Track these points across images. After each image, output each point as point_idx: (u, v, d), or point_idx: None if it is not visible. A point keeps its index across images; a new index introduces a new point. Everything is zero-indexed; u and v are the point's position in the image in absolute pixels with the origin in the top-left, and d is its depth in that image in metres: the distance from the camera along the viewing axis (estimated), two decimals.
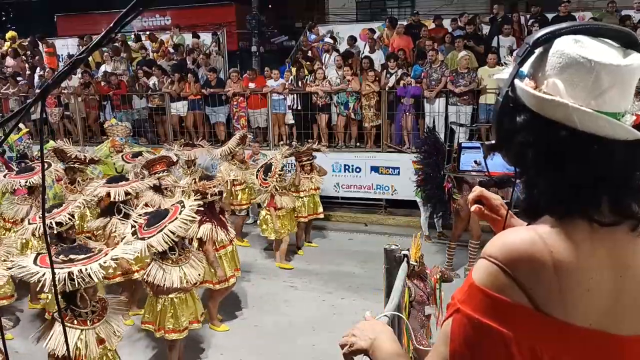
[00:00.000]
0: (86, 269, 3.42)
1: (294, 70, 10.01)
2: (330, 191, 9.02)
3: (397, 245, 2.78)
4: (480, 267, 0.96)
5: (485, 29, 10.42)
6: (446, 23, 10.68)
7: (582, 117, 0.91)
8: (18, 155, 9.15)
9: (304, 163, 7.63)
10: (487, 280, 0.94)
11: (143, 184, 5.98)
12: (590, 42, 0.95)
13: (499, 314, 0.92)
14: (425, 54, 9.02)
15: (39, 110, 5.96)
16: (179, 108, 10.36)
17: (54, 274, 3.42)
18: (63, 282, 3.37)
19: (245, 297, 6.28)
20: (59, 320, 3.45)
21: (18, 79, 11.69)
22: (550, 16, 9.55)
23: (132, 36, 13.31)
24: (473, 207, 1.37)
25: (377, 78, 8.96)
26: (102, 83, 11.08)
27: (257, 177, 7.18)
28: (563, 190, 0.95)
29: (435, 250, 7.36)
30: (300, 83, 9.68)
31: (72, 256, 3.58)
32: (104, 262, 3.53)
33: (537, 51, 0.99)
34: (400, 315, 2.28)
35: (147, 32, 13.74)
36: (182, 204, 4.64)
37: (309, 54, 11.25)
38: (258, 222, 7.49)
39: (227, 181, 7.38)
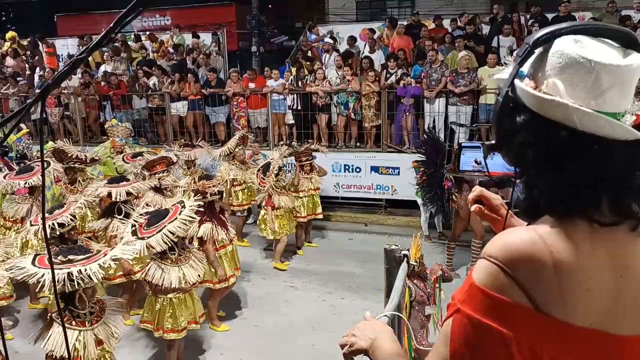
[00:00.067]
0: (85, 270, 3.42)
1: (294, 70, 10.01)
2: (330, 191, 9.02)
3: (397, 245, 2.78)
4: (480, 267, 0.96)
5: (485, 29, 10.42)
6: (446, 23, 10.68)
7: (582, 117, 0.91)
8: (18, 155, 9.15)
9: (303, 163, 7.64)
10: (487, 280, 0.94)
11: (144, 184, 5.99)
12: (590, 42, 0.95)
13: (499, 314, 0.92)
14: (425, 54, 9.02)
15: (39, 110, 5.96)
16: (179, 108, 10.36)
17: (54, 274, 3.42)
18: (62, 282, 3.37)
19: (245, 297, 6.28)
20: (58, 321, 3.44)
21: (18, 79, 11.70)
22: (550, 16, 9.55)
23: (132, 36, 13.31)
24: (473, 207, 1.37)
25: (377, 78, 8.96)
26: (102, 83, 11.08)
27: (257, 177, 7.21)
28: (563, 190, 0.95)
29: (435, 250, 7.36)
30: (300, 83, 9.68)
31: (70, 257, 3.57)
32: (104, 263, 3.53)
33: (537, 51, 0.99)
34: (400, 315, 2.28)
35: (147, 32, 13.74)
36: (182, 204, 4.65)
37: (309, 54, 11.26)
38: (257, 221, 7.49)
39: (226, 181, 7.38)
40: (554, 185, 0.96)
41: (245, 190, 7.95)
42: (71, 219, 4.91)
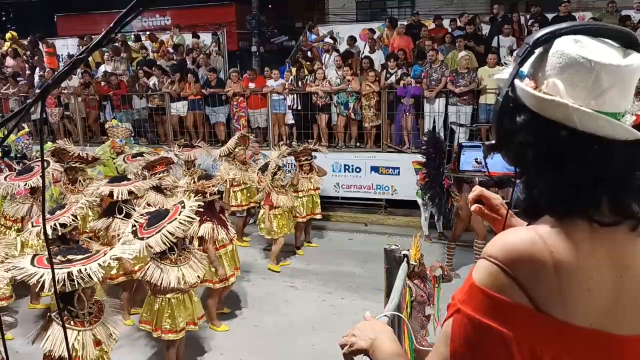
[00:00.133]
0: (85, 269, 3.42)
1: (294, 70, 10.01)
2: (330, 191, 9.02)
3: (397, 245, 2.78)
4: (480, 267, 0.96)
5: (485, 29, 10.42)
6: (446, 23, 10.68)
7: (582, 117, 0.91)
8: (17, 155, 9.15)
9: (302, 163, 7.63)
10: (487, 280, 0.94)
11: (146, 184, 5.99)
12: (590, 42, 0.95)
13: (499, 314, 0.92)
14: (425, 54, 9.02)
15: (39, 110, 5.96)
16: (179, 108, 10.36)
17: (54, 274, 3.42)
18: (62, 282, 3.37)
19: (245, 297, 6.28)
20: (57, 321, 3.44)
21: (18, 79, 11.70)
22: (550, 16, 9.55)
23: (132, 36, 13.31)
24: (473, 207, 1.37)
25: (377, 78, 8.96)
26: (102, 83, 11.08)
27: (257, 176, 7.24)
28: (563, 190, 0.95)
29: (436, 250, 7.36)
30: (300, 83, 9.68)
31: (70, 256, 3.57)
32: (103, 262, 3.53)
33: (537, 51, 0.99)
34: (400, 315, 2.28)
35: (147, 32, 13.74)
36: (182, 205, 4.65)
37: (309, 54, 11.26)
38: (257, 221, 7.49)
39: (226, 180, 7.38)
40: (554, 185, 0.96)
41: (245, 191, 7.93)
42: (73, 219, 4.91)
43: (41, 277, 3.36)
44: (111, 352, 3.88)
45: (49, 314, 3.70)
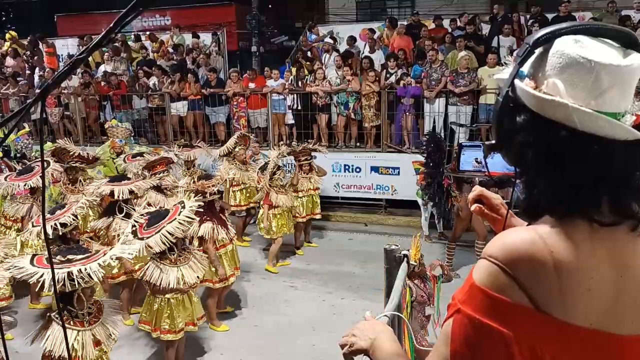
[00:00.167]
0: (85, 269, 3.42)
1: (294, 70, 10.01)
2: (330, 191, 9.02)
3: (397, 245, 2.78)
4: (480, 267, 0.96)
5: (485, 29, 10.42)
6: (446, 23, 10.69)
7: (582, 117, 0.91)
8: (17, 155, 9.16)
9: (302, 163, 7.63)
10: (487, 281, 0.94)
11: (146, 183, 6.00)
12: (591, 42, 0.95)
13: (499, 314, 0.92)
14: (425, 54, 9.02)
15: (39, 110, 5.97)
16: (179, 108, 10.36)
17: (54, 274, 3.42)
18: (62, 282, 3.37)
19: (245, 297, 6.28)
20: (57, 321, 3.44)
21: (18, 79, 11.69)
22: (550, 16, 9.55)
23: (132, 36, 13.31)
24: (473, 207, 1.37)
25: (377, 78, 8.96)
26: (102, 83, 11.08)
27: (257, 176, 7.24)
28: (563, 190, 0.95)
29: (436, 250, 7.36)
30: (300, 83, 9.69)
31: (70, 256, 3.57)
32: (103, 262, 3.53)
33: (537, 51, 0.99)
34: (400, 315, 2.28)
35: (147, 32, 13.74)
36: (182, 205, 4.65)
37: (309, 54, 11.26)
38: (257, 221, 7.48)
39: (225, 180, 7.37)
40: (554, 185, 0.96)
41: (244, 191, 7.92)
42: (73, 219, 4.91)
43: (41, 276, 3.36)
44: (110, 352, 3.88)
45: (48, 314, 3.70)
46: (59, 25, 16.71)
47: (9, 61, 12.84)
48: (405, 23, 11.03)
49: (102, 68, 11.82)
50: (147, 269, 4.47)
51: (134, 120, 10.51)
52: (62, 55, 13.43)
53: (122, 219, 5.40)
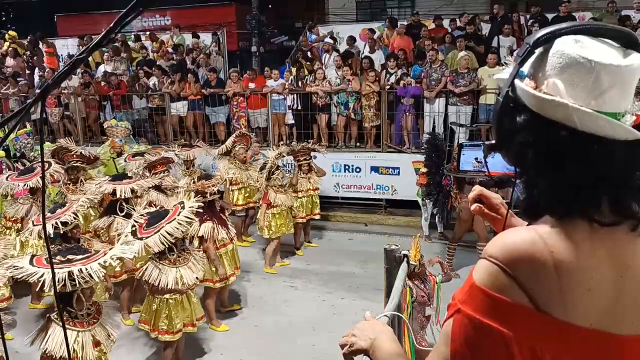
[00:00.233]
0: (86, 269, 3.42)
1: (294, 70, 10.01)
2: (330, 191, 9.02)
3: (397, 245, 2.78)
4: (480, 267, 0.96)
5: (485, 29, 10.42)
6: (446, 23, 10.69)
7: (582, 117, 0.91)
8: (17, 154, 9.16)
9: (301, 163, 7.62)
10: (487, 281, 0.94)
11: (148, 182, 6.00)
12: (591, 42, 0.95)
13: (499, 314, 0.92)
14: (425, 54, 9.02)
15: (39, 110, 5.97)
16: (179, 108, 10.36)
17: (54, 274, 3.42)
18: (63, 282, 3.37)
19: (245, 297, 6.28)
20: (57, 321, 3.43)
21: (18, 79, 11.69)
22: (550, 16, 9.55)
23: (132, 36, 13.31)
24: (473, 206, 1.37)
25: (377, 78, 8.96)
26: (102, 83, 11.08)
27: (258, 175, 7.26)
28: (563, 190, 0.95)
29: (436, 250, 7.35)
30: (300, 83, 9.69)
31: (70, 257, 3.57)
32: (104, 262, 3.53)
33: (538, 51, 0.99)
34: (400, 315, 2.28)
35: (147, 32, 13.74)
36: (182, 205, 4.65)
37: (309, 54, 11.26)
38: (256, 220, 7.48)
39: (225, 180, 7.36)
40: (554, 185, 0.96)
41: (242, 190, 7.90)
42: (74, 217, 4.91)
43: (41, 276, 3.36)
44: (110, 352, 3.88)
45: (48, 315, 3.70)
46: (59, 25, 16.71)
47: (9, 61, 12.83)
48: (405, 23, 11.03)
49: (102, 68, 11.81)
50: (146, 269, 4.47)
51: (134, 120, 10.51)
52: (62, 55, 13.43)
53: (123, 218, 5.40)
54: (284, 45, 15.33)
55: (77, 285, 3.42)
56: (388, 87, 8.90)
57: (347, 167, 9.13)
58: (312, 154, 7.80)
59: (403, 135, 9.04)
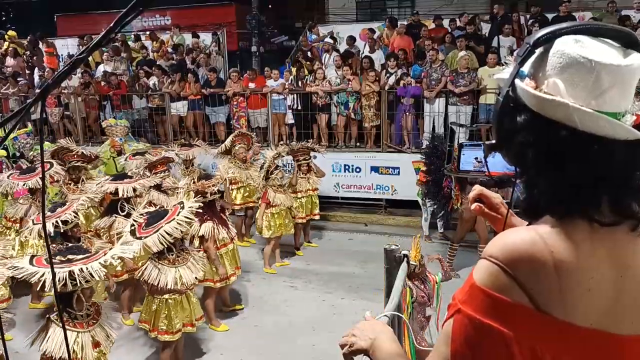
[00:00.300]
0: (87, 268, 3.42)
1: (294, 70, 10.02)
2: (330, 191, 9.02)
3: (397, 245, 2.78)
4: (481, 268, 0.96)
5: (485, 29, 10.42)
6: (446, 23, 10.70)
7: (583, 117, 0.91)
8: (16, 154, 9.16)
9: (300, 162, 7.61)
10: (487, 281, 0.94)
11: (149, 181, 6.01)
12: (591, 42, 0.95)
13: (499, 314, 0.92)
14: (425, 54, 9.03)
15: (39, 110, 5.97)
16: (179, 108, 10.36)
17: (54, 274, 3.42)
18: (63, 281, 3.37)
19: (245, 297, 6.28)
20: (57, 322, 3.43)
21: (18, 79, 11.69)
22: (550, 16, 9.56)
23: (132, 36, 13.31)
24: (473, 206, 1.37)
25: (377, 78, 8.96)
26: (102, 83, 11.08)
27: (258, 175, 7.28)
28: (563, 190, 0.95)
29: (436, 250, 7.35)
30: (300, 83, 9.69)
31: (70, 256, 3.57)
32: (105, 261, 3.53)
33: (538, 51, 0.99)
34: (401, 315, 2.28)
35: (147, 32, 13.75)
36: (181, 205, 4.64)
37: (309, 54, 11.26)
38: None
39: (225, 179, 7.36)
40: (554, 185, 0.96)
41: (241, 190, 7.88)
42: (74, 216, 4.91)
43: (42, 276, 3.35)
44: (109, 354, 3.87)
45: (48, 316, 3.70)
46: (59, 25, 16.71)
47: (9, 61, 12.83)
48: (405, 23, 11.03)
49: (102, 68, 11.82)
50: (145, 269, 4.46)
51: (134, 120, 10.52)
52: (62, 55, 13.43)
53: (124, 218, 5.40)
54: (284, 45, 15.34)
55: (78, 285, 3.42)
56: (388, 87, 8.90)
57: (347, 167, 9.13)
58: (312, 154, 7.80)
59: (403, 135, 9.04)
